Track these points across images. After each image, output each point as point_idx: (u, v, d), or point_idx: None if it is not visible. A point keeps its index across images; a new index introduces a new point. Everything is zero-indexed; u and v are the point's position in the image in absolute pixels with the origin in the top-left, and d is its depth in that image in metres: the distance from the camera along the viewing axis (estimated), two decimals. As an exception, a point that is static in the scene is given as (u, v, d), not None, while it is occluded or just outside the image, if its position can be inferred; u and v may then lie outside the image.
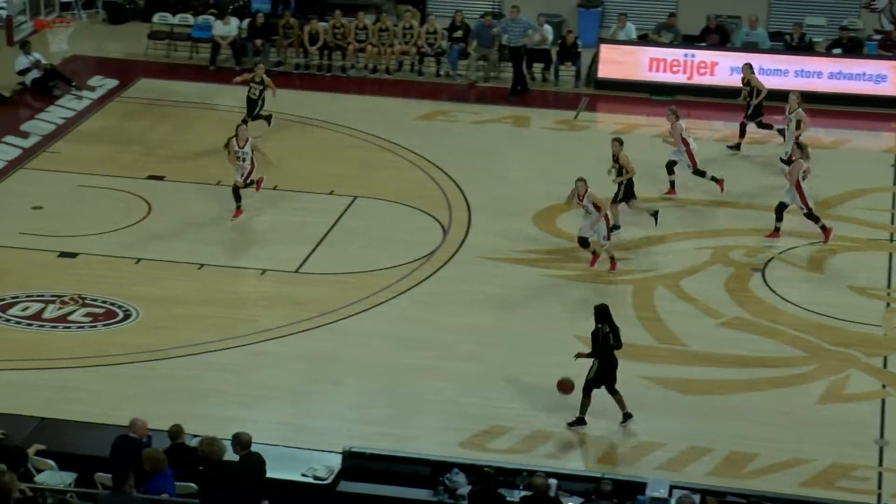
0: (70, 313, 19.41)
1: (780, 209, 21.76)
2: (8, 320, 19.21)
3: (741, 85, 25.39)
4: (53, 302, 19.65)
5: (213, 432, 15.60)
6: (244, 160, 21.77)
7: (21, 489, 13.56)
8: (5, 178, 23.83)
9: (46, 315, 19.35)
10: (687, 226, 22.55)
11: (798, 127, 23.63)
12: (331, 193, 23.26)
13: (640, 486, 14.98)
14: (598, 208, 20.50)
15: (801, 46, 29.20)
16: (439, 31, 29.25)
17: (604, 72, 28.72)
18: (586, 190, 20.50)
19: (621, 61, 28.70)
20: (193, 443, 15.06)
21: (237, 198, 21.91)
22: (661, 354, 18.80)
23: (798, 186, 21.53)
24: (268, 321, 19.34)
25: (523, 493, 14.79)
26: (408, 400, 17.57)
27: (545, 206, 22.91)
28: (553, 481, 14.81)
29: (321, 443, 16.15)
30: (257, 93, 24.90)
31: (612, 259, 20.86)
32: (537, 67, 29.17)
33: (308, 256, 21.19)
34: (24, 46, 27.20)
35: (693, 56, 28.60)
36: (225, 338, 18.89)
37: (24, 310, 19.46)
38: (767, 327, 19.51)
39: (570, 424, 17.01)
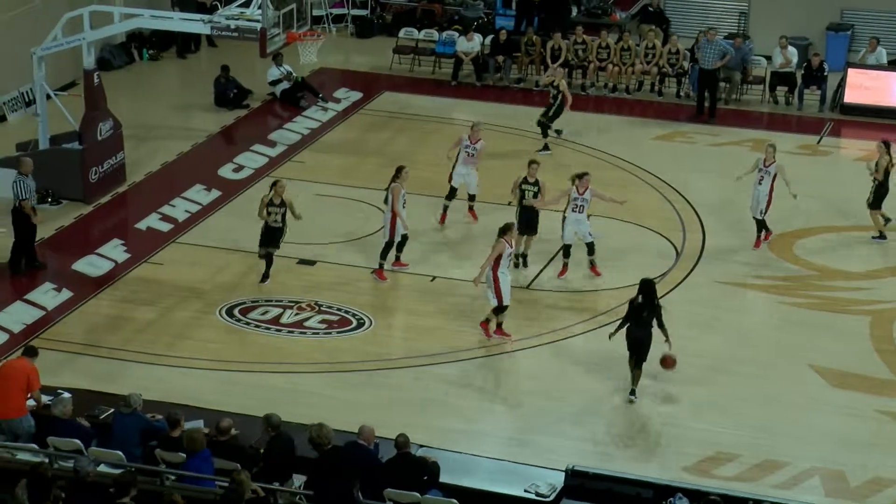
0: (306, 319, 19.80)
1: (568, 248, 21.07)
2: (248, 323, 19.71)
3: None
4: (291, 307, 20.07)
5: (440, 444, 16.02)
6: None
7: (254, 489, 13.84)
8: (252, 184, 24.45)
9: (284, 320, 19.78)
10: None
11: (774, 179, 21.77)
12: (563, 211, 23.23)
13: (872, 524, 14.58)
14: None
15: None
16: (681, 52, 28.94)
17: (850, 97, 27.99)
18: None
19: (869, 86, 27.90)
20: (420, 453, 15.22)
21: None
22: (899, 389, 18.24)
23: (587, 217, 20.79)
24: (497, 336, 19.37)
25: (748, 522, 14.55)
26: (633, 421, 17.43)
27: (782, 233, 22.47)
28: (780, 512, 14.52)
29: (545, 459, 16.04)
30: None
31: (500, 325, 19.42)
32: (780, 91, 28.63)
33: (539, 273, 21.18)
34: (277, 58, 27.84)
35: (946, 83, 27.65)
36: (454, 350, 19.01)
37: (263, 314, 19.94)
38: None
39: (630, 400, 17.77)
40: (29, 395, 16.04)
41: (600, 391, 18.16)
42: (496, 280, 18.93)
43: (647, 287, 17.61)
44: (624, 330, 17.74)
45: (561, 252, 21.21)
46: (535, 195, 20.86)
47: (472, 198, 22.80)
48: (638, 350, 17.63)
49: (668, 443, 17.06)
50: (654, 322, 17.57)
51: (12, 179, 20.85)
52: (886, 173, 21.91)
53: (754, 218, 22.03)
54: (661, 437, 17.18)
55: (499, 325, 19.32)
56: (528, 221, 20.93)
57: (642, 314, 17.49)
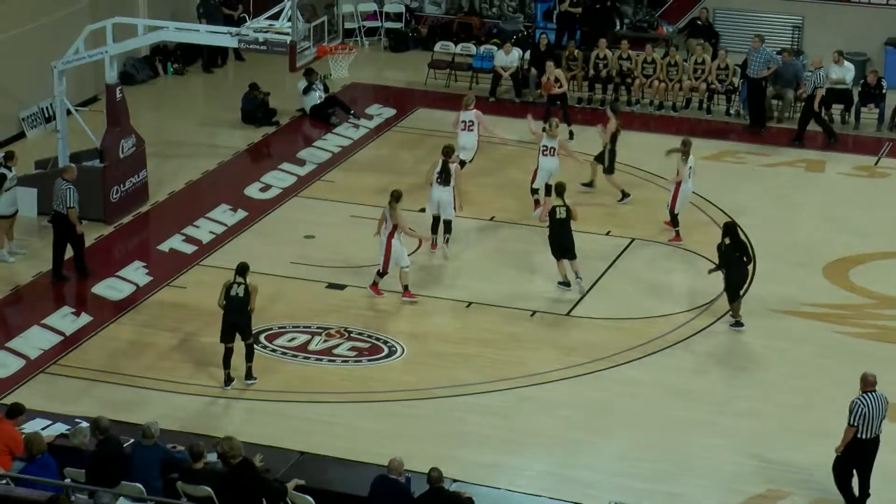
0: (335, 346, 19.37)
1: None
2: (274, 350, 19.26)
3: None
4: (319, 334, 19.64)
5: (475, 478, 15.79)
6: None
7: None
8: (280, 205, 24.06)
9: (312, 347, 19.35)
10: None
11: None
12: (607, 234, 22.62)
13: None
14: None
15: None
16: (731, 67, 28.12)
17: (910, 116, 27.18)
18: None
19: (929, 105, 27.13)
20: (454, 488, 14.85)
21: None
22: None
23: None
24: (535, 365, 18.91)
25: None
26: (679, 456, 16.89)
27: (838, 258, 21.86)
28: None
29: (585, 495, 15.70)
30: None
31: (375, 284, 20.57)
32: (836, 109, 27.70)
33: (580, 299, 20.64)
34: (311, 75, 27.48)
35: None
36: (490, 380, 18.54)
37: (290, 340, 19.49)
38: None
39: (732, 325, 19.64)
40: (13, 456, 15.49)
41: (646, 424, 17.63)
42: (389, 247, 20.06)
43: (731, 230, 19.50)
44: (723, 275, 19.62)
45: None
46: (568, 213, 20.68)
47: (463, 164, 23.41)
48: (739, 287, 19.56)
49: (715, 479, 16.50)
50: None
51: (60, 186, 20.83)
52: (614, 138, 23.28)
53: (674, 213, 22.36)
54: (708, 474, 16.61)
55: (374, 283, 20.41)
56: (560, 245, 20.57)
57: (735, 254, 19.38)
